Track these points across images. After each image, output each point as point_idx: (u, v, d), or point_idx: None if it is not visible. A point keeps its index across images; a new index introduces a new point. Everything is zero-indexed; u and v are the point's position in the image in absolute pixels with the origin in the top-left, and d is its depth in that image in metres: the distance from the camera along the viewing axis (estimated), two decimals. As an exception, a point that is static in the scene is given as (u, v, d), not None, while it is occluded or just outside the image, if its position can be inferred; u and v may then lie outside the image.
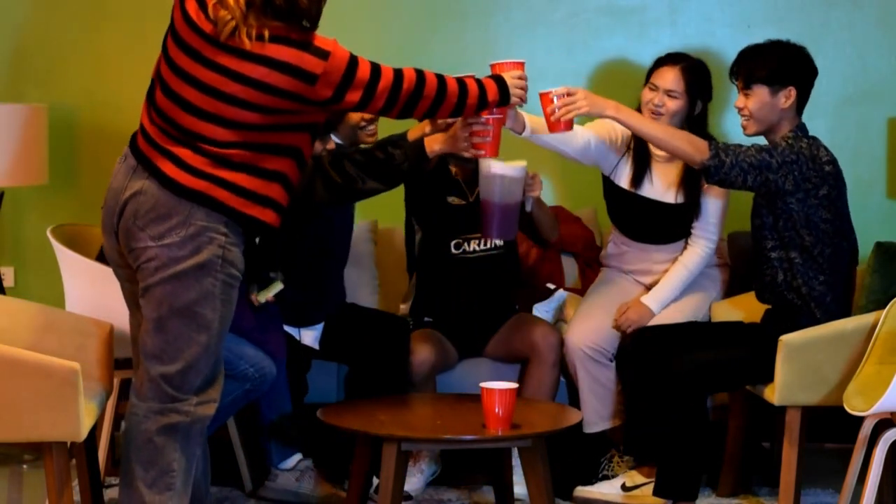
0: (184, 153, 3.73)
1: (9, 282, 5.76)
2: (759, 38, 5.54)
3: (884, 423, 4.22)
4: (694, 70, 4.93)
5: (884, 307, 4.42)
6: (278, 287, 4.73)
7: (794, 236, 4.58)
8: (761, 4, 5.74)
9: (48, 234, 4.99)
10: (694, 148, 4.54)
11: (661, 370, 4.66)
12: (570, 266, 5.53)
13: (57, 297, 5.09)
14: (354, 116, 4.88)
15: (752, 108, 4.64)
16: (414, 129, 4.61)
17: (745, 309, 5.00)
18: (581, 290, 5.44)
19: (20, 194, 5.72)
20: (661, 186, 5.00)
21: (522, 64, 4.25)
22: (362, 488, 4.47)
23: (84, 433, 4.05)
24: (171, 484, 3.82)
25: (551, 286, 5.41)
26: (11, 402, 3.97)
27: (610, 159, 5.03)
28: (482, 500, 4.93)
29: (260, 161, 3.76)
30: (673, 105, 4.92)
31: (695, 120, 4.97)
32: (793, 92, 4.63)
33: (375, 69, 3.80)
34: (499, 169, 4.52)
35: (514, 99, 4.14)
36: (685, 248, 5.05)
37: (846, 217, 4.66)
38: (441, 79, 3.95)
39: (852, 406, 4.20)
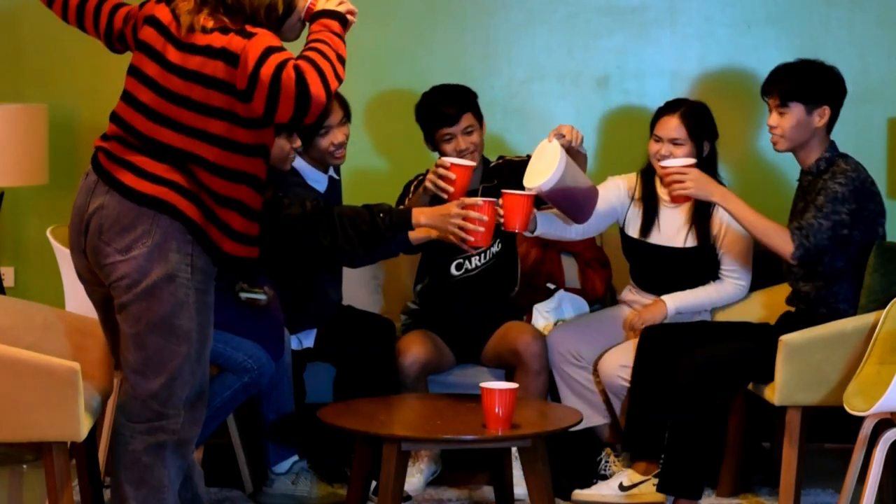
0: (141, 160, 3.68)
1: (9, 282, 5.76)
2: (759, 37, 5.55)
3: (884, 423, 4.23)
4: (693, 114, 4.88)
5: (884, 307, 4.42)
6: (261, 298, 4.70)
7: (837, 266, 4.62)
8: (761, 4, 5.74)
9: (48, 234, 4.99)
10: (783, 242, 4.55)
11: (667, 367, 4.67)
12: (570, 266, 5.52)
13: (57, 297, 5.09)
14: (324, 142, 4.87)
15: (787, 126, 4.63)
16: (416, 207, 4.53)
17: (745, 309, 5.02)
18: (581, 291, 5.44)
19: (20, 194, 5.72)
20: (670, 231, 5.00)
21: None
22: (362, 489, 4.47)
23: (84, 433, 4.05)
24: (163, 500, 3.77)
25: (551, 286, 5.41)
26: (11, 402, 3.97)
27: (618, 213, 5.07)
28: (482, 500, 4.93)
29: (216, 183, 3.68)
30: (680, 152, 4.90)
31: (705, 161, 4.92)
32: (827, 111, 4.63)
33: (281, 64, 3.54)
34: (560, 165, 4.42)
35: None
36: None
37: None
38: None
39: (852, 406, 4.21)
